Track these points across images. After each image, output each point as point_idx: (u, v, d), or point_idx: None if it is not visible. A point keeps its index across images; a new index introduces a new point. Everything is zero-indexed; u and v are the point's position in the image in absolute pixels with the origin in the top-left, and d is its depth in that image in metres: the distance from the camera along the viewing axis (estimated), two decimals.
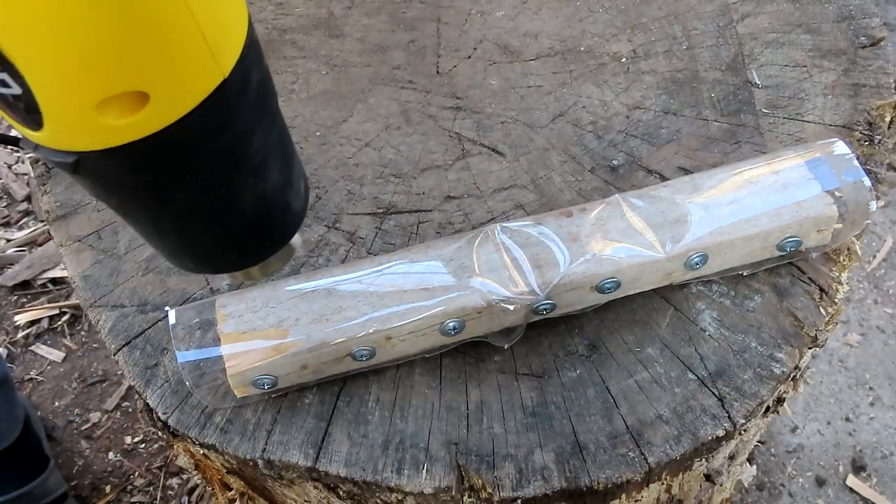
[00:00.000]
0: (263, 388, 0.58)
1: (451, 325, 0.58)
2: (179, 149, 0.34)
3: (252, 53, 0.35)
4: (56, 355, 1.60)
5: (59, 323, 1.65)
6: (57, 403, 1.53)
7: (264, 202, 0.41)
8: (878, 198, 0.63)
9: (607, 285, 0.59)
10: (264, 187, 0.40)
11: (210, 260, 0.43)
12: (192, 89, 0.33)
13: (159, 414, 0.61)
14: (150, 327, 0.65)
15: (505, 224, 0.61)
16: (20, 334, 1.63)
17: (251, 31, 0.36)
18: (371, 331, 0.57)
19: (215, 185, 0.37)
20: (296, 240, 0.47)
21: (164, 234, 0.40)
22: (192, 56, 0.32)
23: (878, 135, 0.71)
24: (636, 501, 0.62)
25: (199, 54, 0.32)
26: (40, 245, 1.78)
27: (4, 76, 0.29)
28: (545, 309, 0.59)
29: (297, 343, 0.57)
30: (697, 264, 0.60)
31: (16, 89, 0.29)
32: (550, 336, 0.62)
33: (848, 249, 0.65)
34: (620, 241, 0.60)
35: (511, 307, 0.57)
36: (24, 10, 0.27)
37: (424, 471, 0.56)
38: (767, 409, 0.65)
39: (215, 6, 0.32)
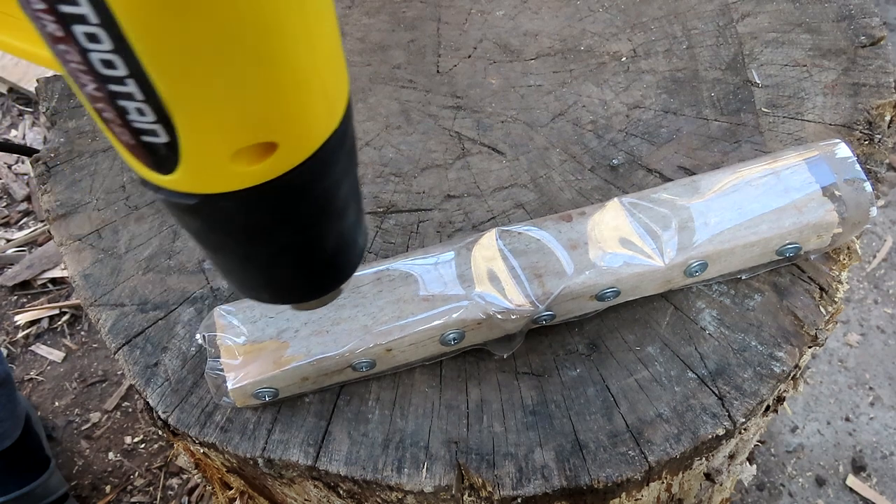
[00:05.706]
0: (265, 399, 0.58)
1: (451, 335, 0.58)
2: (289, 192, 0.37)
3: (351, 106, 0.39)
4: (56, 355, 1.60)
5: (59, 323, 1.65)
6: (57, 403, 1.53)
7: (342, 240, 0.44)
8: (878, 198, 0.62)
9: (607, 294, 0.59)
10: (343, 227, 0.44)
11: (286, 292, 0.47)
12: (313, 139, 0.36)
13: (159, 413, 0.61)
14: (150, 326, 0.65)
15: (503, 228, 0.61)
16: (20, 334, 1.63)
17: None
18: (371, 345, 0.57)
19: (309, 225, 0.41)
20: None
21: (250, 268, 0.43)
22: (318, 110, 0.35)
23: (878, 134, 0.70)
24: (636, 500, 0.62)
25: (322, 108, 0.35)
26: (40, 245, 1.78)
27: (157, 127, 0.31)
28: (545, 319, 0.59)
29: (298, 356, 0.57)
30: (697, 271, 0.60)
31: (164, 138, 0.31)
32: (550, 335, 0.62)
33: (848, 248, 0.65)
34: (620, 250, 0.59)
35: (511, 317, 0.57)
36: (194, 71, 0.29)
37: (424, 469, 0.56)
38: (767, 408, 0.65)
39: (334, 64, 0.35)
